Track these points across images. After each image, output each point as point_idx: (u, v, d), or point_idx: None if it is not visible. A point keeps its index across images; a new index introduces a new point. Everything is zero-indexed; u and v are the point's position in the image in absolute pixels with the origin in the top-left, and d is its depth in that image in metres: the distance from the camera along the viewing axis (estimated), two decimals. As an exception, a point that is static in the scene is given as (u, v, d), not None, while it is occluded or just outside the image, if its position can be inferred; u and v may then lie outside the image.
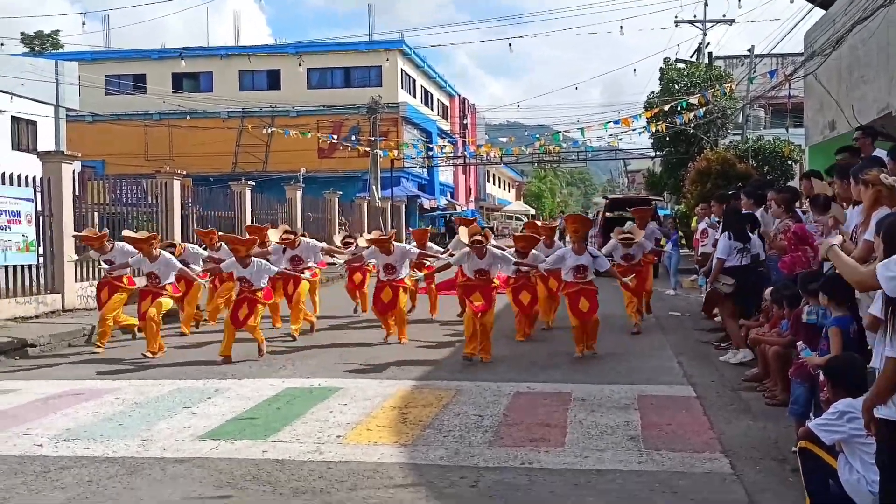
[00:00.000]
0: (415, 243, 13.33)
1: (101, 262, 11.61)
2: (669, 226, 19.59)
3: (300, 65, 38.91)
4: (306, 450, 6.00)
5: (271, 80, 46.25)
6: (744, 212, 10.23)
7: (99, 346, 10.81)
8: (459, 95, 60.12)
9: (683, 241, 23.46)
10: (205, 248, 13.45)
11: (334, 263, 14.74)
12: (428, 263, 13.04)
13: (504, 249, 10.95)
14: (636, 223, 13.09)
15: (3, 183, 13.15)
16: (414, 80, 49.61)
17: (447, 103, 58.18)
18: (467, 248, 10.08)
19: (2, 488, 5.18)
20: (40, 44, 57.38)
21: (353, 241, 14.64)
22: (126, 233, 12.01)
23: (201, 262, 12.64)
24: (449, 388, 8.09)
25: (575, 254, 10.06)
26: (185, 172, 19.80)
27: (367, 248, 11.87)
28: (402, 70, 46.44)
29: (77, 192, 15.17)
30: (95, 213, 16.40)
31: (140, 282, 11.99)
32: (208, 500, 4.94)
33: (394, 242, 11.47)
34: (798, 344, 5.98)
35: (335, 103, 43.74)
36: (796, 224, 8.58)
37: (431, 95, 54.09)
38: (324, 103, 43.76)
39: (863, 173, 5.95)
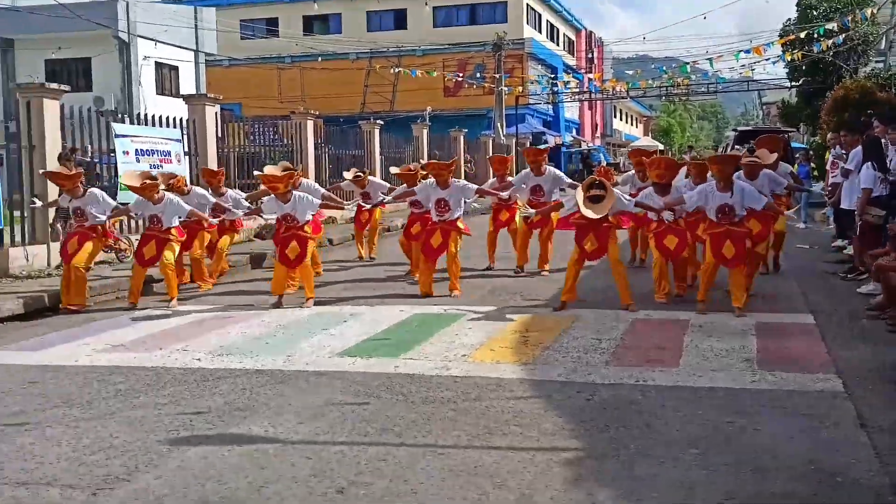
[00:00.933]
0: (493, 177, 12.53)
1: (70, 211, 10.21)
2: (801, 159, 19.07)
3: (427, 4, 39.19)
4: (434, 366, 6.49)
5: (398, 19, 46.87)
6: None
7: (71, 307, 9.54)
8: (586, 29, 59.14)
9: (816, 173, 22.77)
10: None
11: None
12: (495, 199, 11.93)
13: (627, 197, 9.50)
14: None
15: (154, 125, 14.15)
16: (539, 15, 49.16)
17: (573, 38, 57.38)
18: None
19: (169, 393, 5.89)
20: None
21: (363, 176, 13.39)
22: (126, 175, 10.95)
23: (207, 211, 10.91)
24: (569, 315, 8.42)
25: (719, 192, 8.51)
26: (317, 113, 20.61)
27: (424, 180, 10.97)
28: (527, 5, 46.07)
29: (219, 134, 16.12)
30: (233, 154, 17.34)
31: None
32: (347, 406, 5.48)
33: (450, 178, 10.16)
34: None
35: (460, 41, 43.90)
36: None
37: (557, 30, 53.47)
38: (449, 42, 44.01)
39: None
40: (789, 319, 8.07)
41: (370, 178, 13.71)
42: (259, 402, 5.63)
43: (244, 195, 12.17)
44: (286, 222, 9.60)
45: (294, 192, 9.69)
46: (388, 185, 14.22)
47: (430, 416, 5.24)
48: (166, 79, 32.49)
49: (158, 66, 31.72)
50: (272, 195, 9.65)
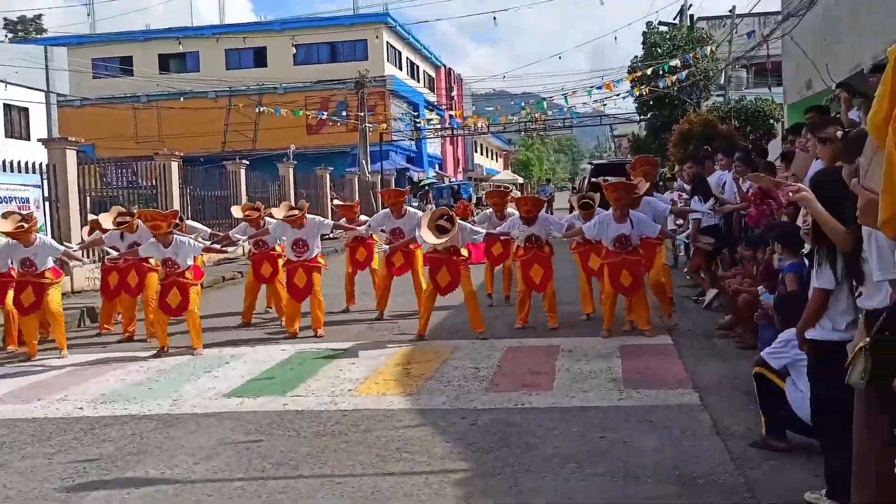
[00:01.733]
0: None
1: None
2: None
3: (294, 44, 39.30)
4: (322, 402, 6.69)
5: (258, 57, 46.57)
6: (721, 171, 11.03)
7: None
8: (445, 66, 60.49)
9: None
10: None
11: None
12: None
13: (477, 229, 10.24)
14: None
15: (5, 170, 13.69)
16: (400, 53, 50.01)
17: (433, 74, 58.58)
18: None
19: (56, 443, 5.86)
20: (24, 29, 57.53)
21: (257, 213, 11.60)
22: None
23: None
24: (447, 346, 8.78)
25: (616, 222, 9.05)
26: (182, 154, 20.34)
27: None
28: (387, 43, 46.81)
29: (80, 179, 15.71)
30: (88, 198, 16.75)
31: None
32: (241, 444, 5.62)
33: (306, 215, 10.25)
34: (759, 289, 6.67)
35: (322, 79, 44.08)
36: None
37: (417, 67, 54.48)
38: (311, 79, 44.13)
39: (821, 131, 6.63)
40: (649, 341, 8.68)
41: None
42: (151, 445, 5.69)
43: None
44: (166, 267, 9.33)
45: (175, 235, 9.45)
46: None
47: (323, 448, 5.45)
48: (16, 121, 31.25)
49: (7, 108, 30.49)
50: (152, 238, 9.43)
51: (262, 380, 7.65)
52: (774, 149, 19.07)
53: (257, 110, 37.58)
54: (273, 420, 6.20)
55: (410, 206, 11.78)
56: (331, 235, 12.30)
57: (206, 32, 45.66)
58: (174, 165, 19.28)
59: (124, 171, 20.41)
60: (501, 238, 10.76)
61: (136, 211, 11.00)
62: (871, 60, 13.14)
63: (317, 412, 6.38)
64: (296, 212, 10.31)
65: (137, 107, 44.80)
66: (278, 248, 11.09)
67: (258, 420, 6.22)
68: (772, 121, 25.73)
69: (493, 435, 5.63)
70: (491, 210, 11.69)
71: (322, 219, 11.19)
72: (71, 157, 15.11)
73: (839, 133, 5.68)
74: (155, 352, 9.16)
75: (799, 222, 7.23)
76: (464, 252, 9.70)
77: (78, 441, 5.88)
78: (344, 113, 38.87)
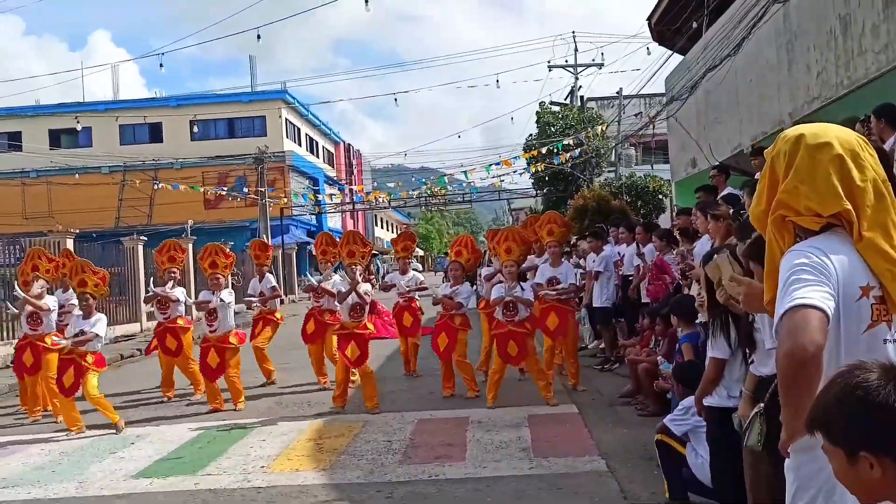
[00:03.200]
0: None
1: None
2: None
3: (192, 120, 39.04)
4: (234, 480, 6.65)
5: (153, 133, 45.93)
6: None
7: None
8: (344, 142, 61.05)
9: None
10: None
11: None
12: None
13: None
14: None
15: None
16: (298, 129, 50.27)
17: (332, 150, 59.00)
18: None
19: (-43, 531, 5.66)
20: None
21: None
22: None
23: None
24: (358, 420, 8.82)
25: (506, 287, 9.34)
26: (76, 231, 19.91)
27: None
28: (286, 119, 47.00)
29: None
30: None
31: None
32: (155, 526, 5.55)
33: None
34: (658, 359, 7.03)
35: (220, 154, 43.82)
36: (656, 257, 9.79)
37: (316, 143, 54.82)
38: (208, 154, 43.80)
39: (713, 209, 7.11)
40: (556, 411, 8.92)
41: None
42: (60, 530, 5.55)
43: None
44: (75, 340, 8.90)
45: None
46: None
47: (240, 527, 5.43)
48: None
49: None
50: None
51: (171, 460, 7.53)
52: (664, 223, 20.01)
53: (154, 186, 37.00)
54: (185, 500, 6.14)
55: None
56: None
57: (100, 108, 44.83)
58: (69, 242, 18.83)
59: (13, 248, 19.82)
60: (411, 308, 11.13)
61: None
62: (750, 141, 14.08)
63: (230, 490, 6.35)
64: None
65: (27, 182, 43.50)
66: (181, 321, 10.98)
67: (169, 500, 6.14)
68: (661, 196, 26.90)
69: (410, 507, 5.72)
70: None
71: (231, 291, 10.86)
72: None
73: (730, 211, 6.14)
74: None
75: (693, 293, 7.69)
76: (369, 326, 9.70)
77: (-19, 529, 5.70)
78: (244, 189, 38.64)
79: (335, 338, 10.32)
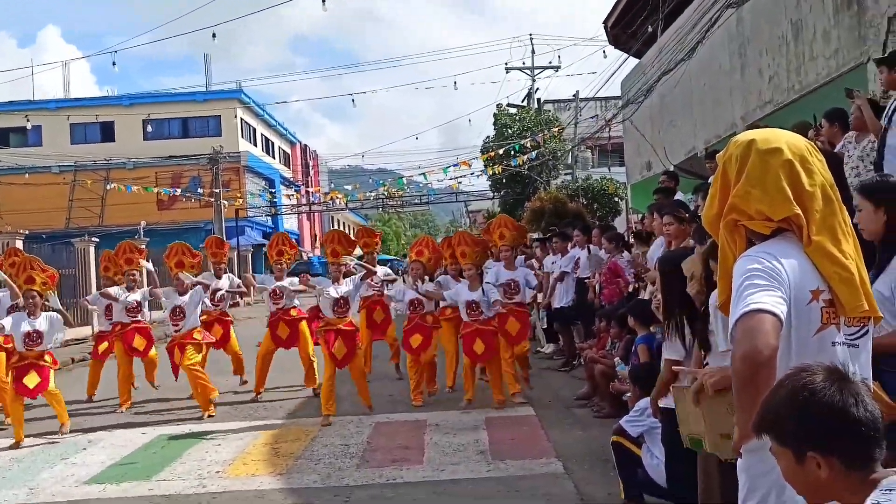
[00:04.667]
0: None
1: None
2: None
3: (145, 119, 38.49)
4: (190, 485, 6.58)
5: (105, 132, 45.20)
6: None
7: None
8: (301, 143, 60.70)
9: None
10: None
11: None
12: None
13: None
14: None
15: None
16: (254, 129, 49.88)
17: (289, 151, 58.64)
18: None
19: None
20: None
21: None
22: None
23: None
24: (314, 424, 8.76)
25: (468, 288, 9.39)
26: (27, 231, 19.55)
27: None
28: (241, 119, 46.58)
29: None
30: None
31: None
32: (108, 533, 5.46)
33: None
34: (615, 360, 7.09)
35: (174, 154, 43.26)
36: (610, 261, 9.88)
37: (272, 143, 54.45)
38: (161, 154, 43.22)
39: (679, 212, 7.22)
40: (514, 412, 8.96)
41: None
42: (9, 539, 5.45)
43: None
44: (27, 342, 8.66)
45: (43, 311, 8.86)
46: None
47: (195, 533, 5.37)
48: None
49: None
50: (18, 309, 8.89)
51: (124, 465, 7.43)
52: (620, 225, 20.20)
53: (106, 186, 36.41)
54: (140, 507, 6.05)
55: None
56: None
57: (51, 106, 44.09)
58: (18, 243, 18.48)
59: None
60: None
61: None
62: (704, 145, 14.27)
63: (185, 496, 6.28)
64: None
65: (-26, 182, 42.53)
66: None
67: (124, 507, 6.05)
68: (616, 199, 27.17)
69: (368, 511, 5.70)
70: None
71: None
72: None
73: (686, 216, 6.22)
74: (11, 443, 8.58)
75: (646, 297, 7.78)
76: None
77: (-74, 538, 5.56)
78: (199, 190, 38.21)
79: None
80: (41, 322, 8.80)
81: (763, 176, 2.56)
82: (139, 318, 10.82)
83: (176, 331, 9.89)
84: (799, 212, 2.53)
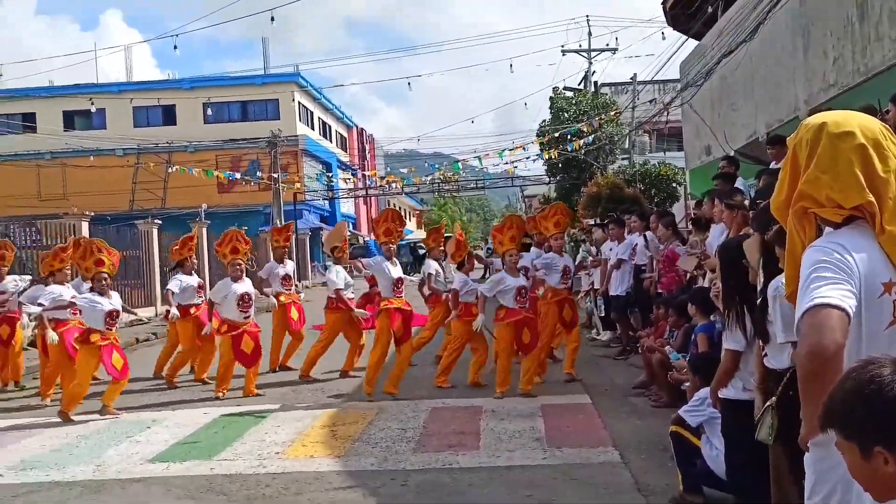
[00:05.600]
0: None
1: None
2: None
3: (205, 103, 39.06)
4: (250, 465, 6.71)
5: (166, 115, 45.94)
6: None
7: None
8: (357, 126, 60.99)
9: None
10: None
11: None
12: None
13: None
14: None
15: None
16: (311, 113, 50.22)
17: (345, 134, 58.97)
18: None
19: (-23, 514, 5.73)
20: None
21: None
22: None
23: None
24: (371, 408, 8.86)
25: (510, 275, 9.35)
26: (92, 213, 20.00)
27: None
28: (299, 103, 46.96)
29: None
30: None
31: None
32: (172, 511, 5.61)
33: None
34: (667, 349, 7.02)
35: (233, 137, 43.85)
36: (668, 248, 9.77)
37: (330, 127, 54.79)
38: (221, 138, 43.84)
39: (729, 198, 7.09)
40: (569, 400, 8.95)
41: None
42: (78, 514, 5.62)
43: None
44: (108, 322, 9.03)
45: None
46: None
47: (256, 513, 5.48)
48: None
49: None
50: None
51: (187, 444, 7.60)
52: (678, 211, 19.95)
53: (168, 169, 37.06)
54: (202, 484, 6.19)
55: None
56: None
57: (114, 89, 44.85)
58: (84, 225, 18.95)
59: (28, 229, 19.92)
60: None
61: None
62: (766, 129, 13.99)
63: (245, 476, 6.40)
64: None
65: (41, 164, 43.63)
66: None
67: (186, 485, 6.20)
68: (674, 185, 26.78)
69: (425, 495, 5.76)
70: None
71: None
72: (-22, 217, 14.77)
73: (745, 201, 6.12)
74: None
75: (705, 284, 7.68)
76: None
77: (0, 512, 5.77)
78: (258, 173, 38.67)
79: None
80: (116, 302, 9.14)
81: (834, 161, 2.49)
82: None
83: (245, 317, 10.06)
84: (872, 199, 2.45)
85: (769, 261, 3.87)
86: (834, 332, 2.27)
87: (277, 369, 11.71)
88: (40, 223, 19.88)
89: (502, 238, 9.56)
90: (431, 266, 11.73)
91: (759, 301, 4.05)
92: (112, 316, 9.00)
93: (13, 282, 11.29)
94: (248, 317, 10.05)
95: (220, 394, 9.88)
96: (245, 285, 10.11)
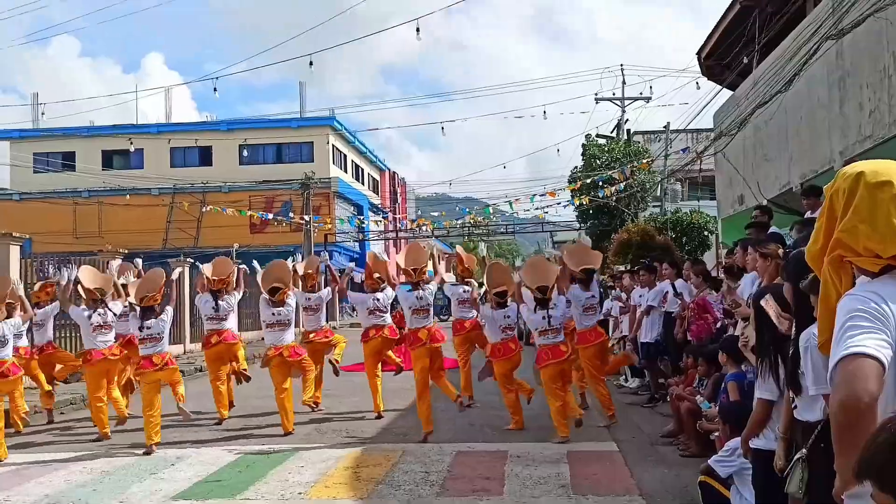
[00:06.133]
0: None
1: None
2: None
3: (243, 148, 39.59)
4: (273, 505, 6.66)
5: (203, 156, 46.63)
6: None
7: None
8: (389, 170, 61.46)
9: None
10: None
11: None
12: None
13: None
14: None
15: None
16: (345, 156, 50.72)
17: (377, 177, 59.41)
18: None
19: (-1, 547, 5.73)
20: (-35, 122, 57.01)
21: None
22: None
23: None
24: (395, 450, 8.80)
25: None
26: (126, 251, 20.22)
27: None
28: (333, 146, 47.45)
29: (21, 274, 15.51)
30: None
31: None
32: (193, 549, 5.57)
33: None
34: (697, 398, 6.92)
35: (267, 178, 44.34)
36: (698, 296, 9.68)
37: (362, 170, 55.26)
38: (255, 179, 44.35)
39: (763, 247, 7.02)
40: (596, 447, 8.83)
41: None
42: (99, 550, 5.59)
43: None
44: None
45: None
46: None
47: (277, 553, 5.42)
48: (-48, 214, 30.80)
49: (-55, 200, 30.10)
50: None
51: (210, 482, 7.57)
52: (709, 260, 19.79)
53: (203, 209, 37.49)
54: (224, 524, 6.15)
55: None
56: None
57: (153, 130, 45.72)
58: (115, 263, 19.07)
59: (63, 266, 20.15)
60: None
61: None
62: (799, 180, 13.90)
63: (268, 516, 6.36)
64: None
65: (79, 202, 44.32)
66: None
67: (208, 524, 6.16)
68: (706, 233, 26.63)
69: (447, 540, 5.67)
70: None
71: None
72: (14, 252, 14.98)
73: (780, 251, 6.05)
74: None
75: (738, 332, 7.57)
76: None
77: (22, 545, 5.76)
78: (291, 215, 39.00)
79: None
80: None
81: (872, 211, 2.46)
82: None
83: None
84: None
85: (802, 310, 3.81)
86: (868, 381, 2.21)
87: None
88: (74, 260, 20.12)
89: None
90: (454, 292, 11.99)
91: (790, 352, 3.99)
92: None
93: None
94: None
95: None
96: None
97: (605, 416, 10.05)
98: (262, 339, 11.23)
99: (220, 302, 11.22)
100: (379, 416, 10.81)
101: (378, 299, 11.03)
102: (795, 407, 3.98)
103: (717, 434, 6.44)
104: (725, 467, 5.22)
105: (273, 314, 10.45)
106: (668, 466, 7.79)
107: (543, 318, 9.29)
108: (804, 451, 3.58)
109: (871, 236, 2.44)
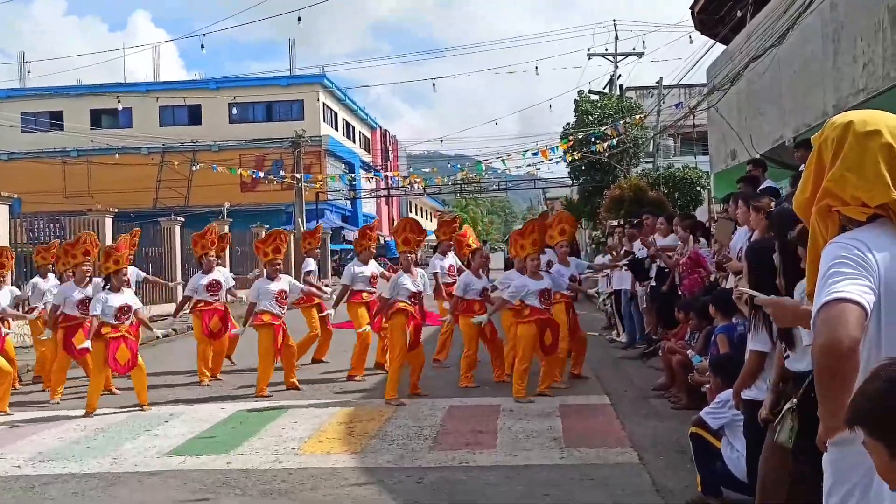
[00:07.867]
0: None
1: None
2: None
3: (232, 106, 39.25)
4: (266, 460, 6.69)
5: (192, 114, 46.22)
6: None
7: None
8: (381, 128, 61.11)
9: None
10: None
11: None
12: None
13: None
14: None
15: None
16: (335, 114, 50.36)
17: (369, 135, 59.09)
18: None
19: (-6, 502, 5.76)
20: (-50, 81, 56.34)
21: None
22: None
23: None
24: (388, 406, 8.82)
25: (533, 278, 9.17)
26: (116, 210, 20.14)
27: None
28: (323, 104, 47.09)
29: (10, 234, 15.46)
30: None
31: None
32: (187, 503, 5.59)
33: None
34: (689, 352, 6.94)
35: (257, 137, 44.06)
36: (691, 250, 9.68)
37: (353, 128, 54.92)
38: (245, 137, 44.07)
39: (755, 200, 7.01)
40: (587, 401, 8.88)
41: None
42: (95, 504, 5.62)
43: None
44: (119, 316, 9.11)
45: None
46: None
47: (270, 507, 5.46)
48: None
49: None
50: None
51: (204, 438, 7.60)
52: (702, 215, 19.78)
53: (193, 168, 37.27)
54: (217, 479, 6.18)
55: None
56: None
57: (141, 89, 45.17)
58: (108, 221, 19.07)
59: (53, 225, 20.12)
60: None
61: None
62: (793, 134, 13.83)
63: (262, 471, 6.39)
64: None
65: (67, 161, 44.01)
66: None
67: (202, 479, 6.19)
68: (699, 188, 26.62)
69: (440, 493, 5.72)
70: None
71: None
72: (3, 211, 14.89)
73: (772, 203, 6.04)
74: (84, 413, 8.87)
75: (730, 286, 7.59)
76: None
77: (17, 500, 5.80)
78: (281, 173, 38.79)
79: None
80: (129, 298, 9.21)
81: (860, 159, 2.44)
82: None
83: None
84: None
85: (791, 263, 3.80)
86: (850, 326, 2.20)
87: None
88: (65, 219, 20.07)
89: (524, 242, 9.39)
90: (436, 265, 12.03)
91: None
92: (123, 311, 9.05)
93: (9, 293, 10.68)
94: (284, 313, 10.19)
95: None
96: (281, 283, 10.16)
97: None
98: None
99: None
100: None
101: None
102: (787, 357, 3.99)
103: (707, 386, 6.48)
104: (717, 419, 5.25)
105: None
106: (660, 419, 7.85)
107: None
108: (794, 400, 3.60)
109: (859, 185, 2.42)
